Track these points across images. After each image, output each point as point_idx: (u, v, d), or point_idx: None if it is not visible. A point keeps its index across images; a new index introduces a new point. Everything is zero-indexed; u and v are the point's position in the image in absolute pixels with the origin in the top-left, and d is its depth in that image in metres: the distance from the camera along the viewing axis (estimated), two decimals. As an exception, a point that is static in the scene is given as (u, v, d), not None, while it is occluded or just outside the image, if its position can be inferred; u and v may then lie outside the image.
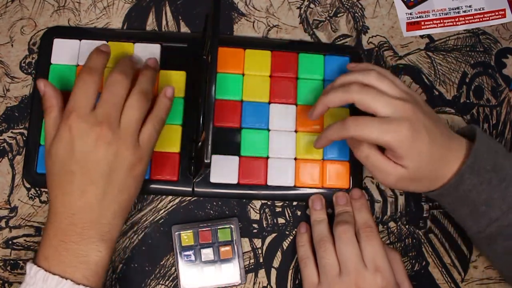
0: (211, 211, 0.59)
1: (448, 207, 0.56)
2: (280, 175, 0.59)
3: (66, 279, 0.47)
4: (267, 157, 0.59)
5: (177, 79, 0.60)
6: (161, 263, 0.58)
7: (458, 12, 0.66)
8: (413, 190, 0.55)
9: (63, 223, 0.49)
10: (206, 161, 0.47)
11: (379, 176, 0.53)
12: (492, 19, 0.66)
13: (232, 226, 0.58)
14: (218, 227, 0.58)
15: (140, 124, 0.52)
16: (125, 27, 0.63)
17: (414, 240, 0.60)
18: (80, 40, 0.60)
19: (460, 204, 0.53)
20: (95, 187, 0.49)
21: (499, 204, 0.51)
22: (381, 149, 0.53)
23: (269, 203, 0.60)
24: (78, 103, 0.50)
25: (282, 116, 0.60)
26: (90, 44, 0.60)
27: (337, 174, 0.60)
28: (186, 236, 0.57)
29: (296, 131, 0.60)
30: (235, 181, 0.59)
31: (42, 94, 0.53)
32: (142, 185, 0.53)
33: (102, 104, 0.50)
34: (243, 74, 0.61)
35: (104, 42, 0.60)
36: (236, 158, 0.59)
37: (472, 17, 0.66)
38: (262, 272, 0.59)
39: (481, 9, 0.67)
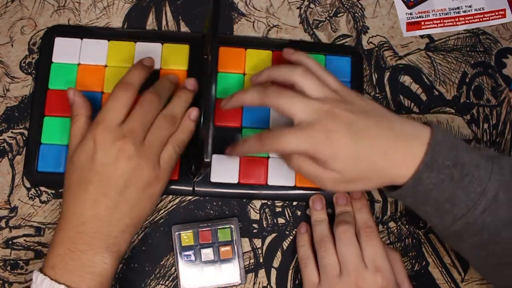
0: (211, 211, 0.59)
1: (411, 207, 0.53)
2: (280, 175, 0.59)
3: None
4: (268, 157, 0.59)
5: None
6: (161, 263, 0.58)
7: (458, 12, 0.66)
8: (362, 189, 0.54)
9: (72, 231, 0.49)
10: (206, 160, 0.47)
11: (317, 183, 0.52)
12: (492, 19, 0.66)
13: (232, 226, 0.58)
14: (218, 227, 0.58)
15: (163, 145, 0.52)
16: (125, 27, 0.63)
17: (414, 240, 0.60)
18: (81, 39, 0.61)
19: (421, 203, 0.51)
20: (107, 199, 0.49)
21: (464, 199, 0.48)
22: None
23: (269, 203, 0.60)
24: (107, 116, 0.51)
25: (283, 116, 0.60)
26: (91, 43, 0.60)
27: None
28: (186, 236, 0.57)
29: (296, 131, 0.60)
30: (235, 181, 0.59)
31: (71, 103, 0.54)
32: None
33: (130, 120, 0.51)
34: (244, 74, 0.61)
35: (106, 41, 0.60)
36: (237, 157, 0.59)
37: (472, 17, 0.66)
38: (262, 272, 0.59)
39: (481, 9, 0.67)
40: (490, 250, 0.50)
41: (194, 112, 0.55)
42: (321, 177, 0.51)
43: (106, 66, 0.60)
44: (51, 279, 0.47)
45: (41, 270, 0.48)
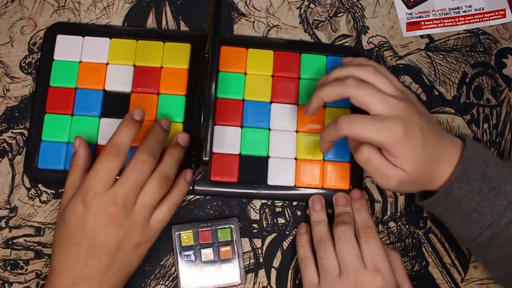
0: (211, 211, 0.59)
1: (439, 217, 0.55)
2: (280, 174, 0.59)
3: None
4: (268, 157, 0.60)
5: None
6: (161, 263, 0.58)
7: (458, 12, 0.66)
8: (407, 192, 0.55)
9: None
10: (204, 158, 0.47)
11: (380, 180, 0.52)
12: (492, 19, 0.66)
13: (232, 226, 0.58)
14: (218, 227, 0.58)
15: (155, 207, 0.51)
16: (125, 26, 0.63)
17: (414, 240, 0.60)
18: (83, 36, 0.61)
19: (450, 213, 0.53)
20: (98, 261, 0.49)
21: (489, 211, 0.51)
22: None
23: (269, 203, 0.60)
24: (97, 182, 0.49)
25: (283, 116, 0.60)
26: (93, 41, 0.61)
27: (337, 175, 0.60)
28: (186, 236, 0.57)
29: (297, 131, 0.60)
30: (235, 180, 0.59)
31: (74, 151, 0.54)
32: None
33: (123, 183, 0.49)
34: (245, 73, 0.61)
35: (108, 38, 0.61)
36: (237, 157, 0.59)
37: (472, 17, 0.66)
38: (262, 272, 0.59)
39: (481, 9, 0.67)
40: None
41: (189, 174, 0.55)
42: (388, 174, 0.51)
43: (107, 64, 0.60)
44: None
45: None
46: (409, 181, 0.51)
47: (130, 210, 0.49)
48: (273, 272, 0.59)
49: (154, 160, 0.51)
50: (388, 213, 0.61)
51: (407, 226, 0.61)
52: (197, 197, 0.59)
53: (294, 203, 0.60)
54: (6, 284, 0.57)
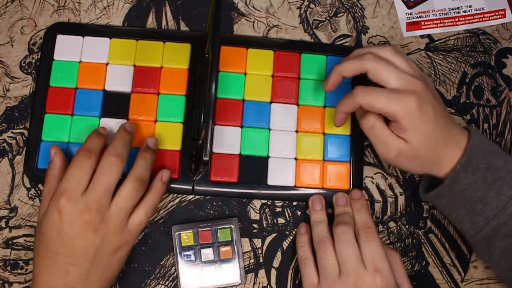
0: (211, 211, 0.59)
1: (444, 210, 0.56)
2: (280, 174, 0.59)
3: None
4: (268, 157, 0.60)
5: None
6: (161, 263, 0.58)
7: (458, 12, 0.66)
8: (409, 169, 0.55)
9: None
10: (205, 158, 0.47)
11: (381, 149, 0.53)
12: (492, 19, 0.66)
13: (232, 226, 0.58)
14: (218, 227, 0.58)
15: (131, 210, 0.52)
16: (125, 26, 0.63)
17: (414, 240, 0.60)
18: (83, 36, 0.61)
19: (456, 204, 0.53)
20: (78, 268, 0.49)
21: (494, 201, 0.52)
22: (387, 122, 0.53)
23: (269, 203, 0.60)
24: (70, 186, 0.50)
25: (283, 116, 0.60)
26: (93, 41, 0.61)
27: (337, 175, 0.60)
28: (186, 236, 0.57)
29: (297, 131, 0.60)
30: (235, 180, 0.59)
31: (50, 160, 0.54)
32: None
33: (94, 189, 0.50)
34: (245, 73, 0.61)
35: (108, 38, 0.61)
36: (237, 157, 0.59)
37: (472, 17, 0.66)
38: (262, 272, 0.59)
39: (481, 9, 0.67)
40: None
41: (165, 175, 0.55)
42: (389, 143, 0.52)
43: (107, 64, 0.60)
44: None
45: None
46: (410, 155, 0.52)
47: (104, 214, 0.50)
48: (273, 272, 0.59)
49: (121, 162, 0.51)
50: (388, 213, 0.61)
51: (407, 226, 0.61)
52: (197, 197, 0.59)
53: (294, 203, 0.60)
54: (6, 284, 0.57)
